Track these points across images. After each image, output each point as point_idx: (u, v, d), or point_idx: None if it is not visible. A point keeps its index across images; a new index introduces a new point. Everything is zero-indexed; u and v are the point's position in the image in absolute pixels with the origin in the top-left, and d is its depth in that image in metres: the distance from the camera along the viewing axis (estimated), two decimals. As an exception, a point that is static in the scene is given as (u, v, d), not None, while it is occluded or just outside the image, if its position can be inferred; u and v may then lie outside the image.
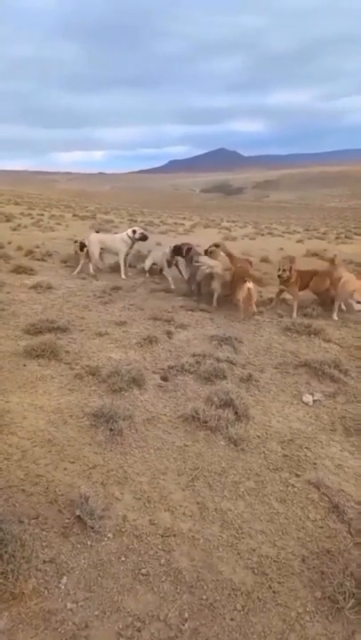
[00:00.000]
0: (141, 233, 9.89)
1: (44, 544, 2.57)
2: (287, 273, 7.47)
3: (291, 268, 7.51)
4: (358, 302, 7.11)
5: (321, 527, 2.93)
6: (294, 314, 7.40)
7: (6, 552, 2.31)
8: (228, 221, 38.39)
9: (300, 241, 21.81)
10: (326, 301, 7.87)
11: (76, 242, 10.52)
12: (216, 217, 47.00)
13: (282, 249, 16.90)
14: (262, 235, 25.03)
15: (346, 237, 24.63)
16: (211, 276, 7.92)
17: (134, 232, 9.82)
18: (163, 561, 2.58)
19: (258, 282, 8.68)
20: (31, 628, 2.11)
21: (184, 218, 39.79)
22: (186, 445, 3.68)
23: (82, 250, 9.97)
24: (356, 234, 27.01)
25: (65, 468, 3.24)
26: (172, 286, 9.10)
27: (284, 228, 31.76)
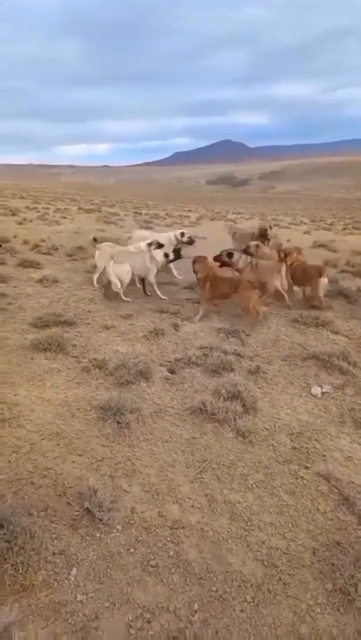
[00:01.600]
0: (189, 237, 8.99)
1: (53, 536, 2.58)
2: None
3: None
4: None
5: (331, 519, 2.91)
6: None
7: (16, 544, 2.31)
8: (234, 213, 38.15)
9: (307, 232, 21.64)
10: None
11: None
12: (222, 209, 46.72)
13: (289, 240, 16.77)
14: (269, 227, 24.83)
15: (354, 228, 24.41)
16: None
17: (182, 234, 8.93)
18: (172, 553, 2.58)
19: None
20: (41, 619, 2.12)
21: (189, 210, 39.57)
22: (194, 438, 3.67)
23: None
24: (364, 225, 26.75)
25: (73, 461, 3.25)
26: (180, 277, 9.03)
27: (291, 220, 31.52)
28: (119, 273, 7.44)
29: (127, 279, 7.53)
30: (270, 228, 7.79)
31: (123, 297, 7.45)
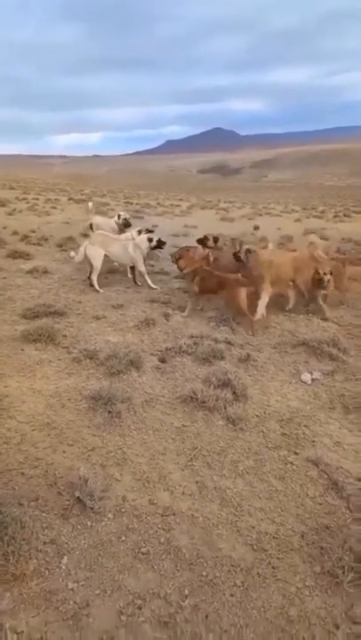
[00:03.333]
0: (125, 218, 9.20)
1: (44, 525, 2.58)
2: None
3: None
4: None
5: (320, 504, 2.94)
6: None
7: (6, 534, 2.32)
8: (225, 202, 38.02)
9: (297, 220, 21.63)
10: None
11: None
12: (213, 198, 46.55)
13: (279, 229, 16.77)
14: (260, 215, 24.82)
15: (344, 215, 24.44)
16: None
17: (119, 217, 9.23)
18: (162, 539, 2.59)
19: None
20: (33, 607, 2.13)
21: (180, 199, 39.37)
22: (184, 426, 3.68)
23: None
24: (355, 212, 26.78)
25: (64, 451, 3.25)
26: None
27: (282, 208, 31.49)
28: (91, 254, 7.39)
29: (98, 263, 7.41)
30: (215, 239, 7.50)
31: (95, 285, 7.39)
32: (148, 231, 8.09)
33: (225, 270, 6.33)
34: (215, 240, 7.70)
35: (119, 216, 9.15)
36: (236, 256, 6.75)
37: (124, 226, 8.95)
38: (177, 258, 6.64)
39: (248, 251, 6.60)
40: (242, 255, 6.62)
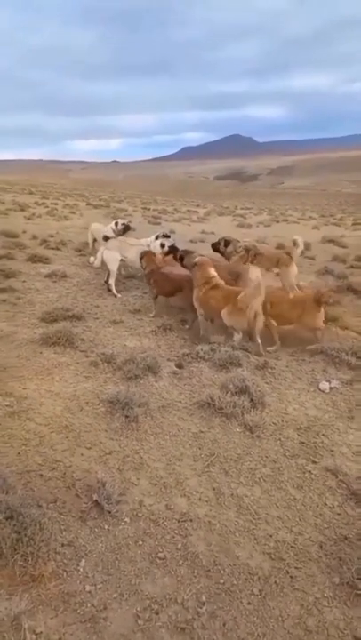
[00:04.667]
0: (123, 223, 9.08)
1: (62, 528, 2.60)
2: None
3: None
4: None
5: (339, 514, 2.91)
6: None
7: (26, 535, 2.34)
8: (242, 209, 37.99)
9: (315, 227, 21.49)
10: None
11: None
12: (230, 204, 46.54)
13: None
14: (277, 222, 24.72)
15: (363, 223, 24.19)
16: None
17: (116, 224, 9.07)
18: (179, 545, 2.59)
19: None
20: (51, 609, 2.15)
21: (198, 205, 39.47)
22: (201, 432, 3.68)
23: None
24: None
25: (82, 454, 3.28)
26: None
27: (300, 215, 31.33)
28: (107, 259, 7.55)
29: (114, 267, 7.51)
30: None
31: (113, 290, 7.46)
32: (165, 236, 8.10)
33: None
34: (226, 244, 7.52)
35: (117, 223, 9.05)
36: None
37: (124, 231, 8.88)
38: (140, 257, 6.95)
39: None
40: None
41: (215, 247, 7.54)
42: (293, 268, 6.49)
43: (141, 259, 6.85)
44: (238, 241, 7.43)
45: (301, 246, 6.66)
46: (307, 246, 12.99)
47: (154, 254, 6.99)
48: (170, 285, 6.29)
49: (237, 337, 5.38)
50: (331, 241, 14.91)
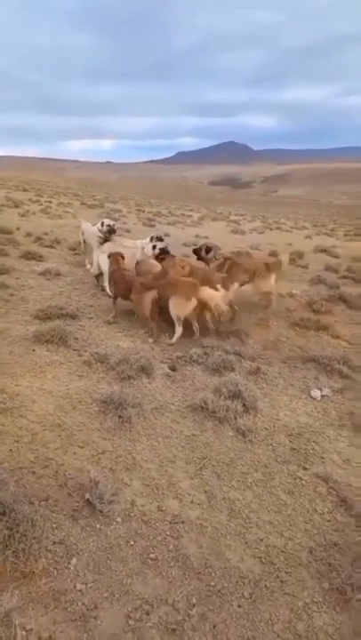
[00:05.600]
0: (108, 225, 8.50)
1: (54, 525, 2.59)
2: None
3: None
4: None
5: (329, 520, 2.94)
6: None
7: (18, 531, 2.32)
8: (235, 215, 38.20)
9: (308, 237, 21.69)
10: None
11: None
12: (224, 210, 46.76)
13: (290, 244, 16.82)
14: (271, 229, 24.91)
15: (355, 235, 24.47)
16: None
17: (102, 224, 8.52)
18: (171, 547, 2.60)
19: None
20: (41, 606, 2.14)
21: (191, 210, 39.61)
22: (194, 435, 3.69)
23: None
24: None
25: (74, 453, 3.26)
26: None
27: (293, 224, 31.60)
28: (100, 260, 7.51)
29: (106, 268, 7.28)
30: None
31: (107, 290, 7.34)
32: (159, 239, 8.07)
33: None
34: (207, 250, 7.54)
35: (102, 224, 8.59)
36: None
37: (109, 233, 8.44)
38: (107, 256, 6.95)
39: None
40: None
41: (197, 252, 7.68)
42: (269, 281, 6.82)
43: (109, 257, 6.88)
44: (220, 248, 7.62)
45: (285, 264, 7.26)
46: (300, 255, 13.13)
47: (121, 256, 6.88)
48: (125, 287, 6.18)
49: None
50: (323, 250, 15.05)
